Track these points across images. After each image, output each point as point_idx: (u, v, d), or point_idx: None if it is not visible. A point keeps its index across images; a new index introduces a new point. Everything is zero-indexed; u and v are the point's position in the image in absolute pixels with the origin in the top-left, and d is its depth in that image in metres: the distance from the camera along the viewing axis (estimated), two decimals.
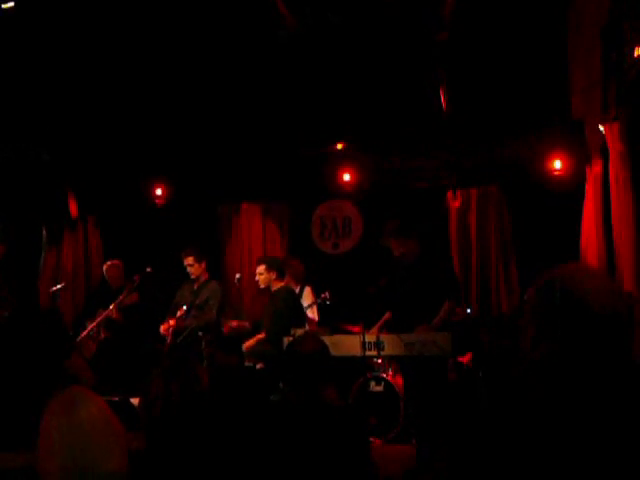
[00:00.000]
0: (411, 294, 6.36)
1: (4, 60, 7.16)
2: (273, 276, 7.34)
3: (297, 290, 8.13)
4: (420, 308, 6.29)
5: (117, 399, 4.71)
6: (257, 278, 7.47)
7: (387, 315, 6.81)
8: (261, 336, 7.25)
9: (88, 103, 8.14)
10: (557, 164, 8.09)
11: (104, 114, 8.37)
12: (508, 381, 2.06)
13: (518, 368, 2.03)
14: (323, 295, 7.95)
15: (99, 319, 7.88)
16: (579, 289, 1.97)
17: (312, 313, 8.14)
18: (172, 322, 7.56)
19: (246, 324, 7.72)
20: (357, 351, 6.34)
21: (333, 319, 8.07)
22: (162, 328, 7.68)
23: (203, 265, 7.83)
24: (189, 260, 7.76)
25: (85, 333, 7.73)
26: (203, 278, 7.85)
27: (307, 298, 8.18)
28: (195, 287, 7.86)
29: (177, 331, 7.53)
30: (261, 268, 7.40)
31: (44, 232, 9.54)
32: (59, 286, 8.59)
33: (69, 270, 9.50)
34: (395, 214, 8.70)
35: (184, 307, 7.54)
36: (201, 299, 7.73)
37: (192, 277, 7.84)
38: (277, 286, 7.39)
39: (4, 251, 8.13)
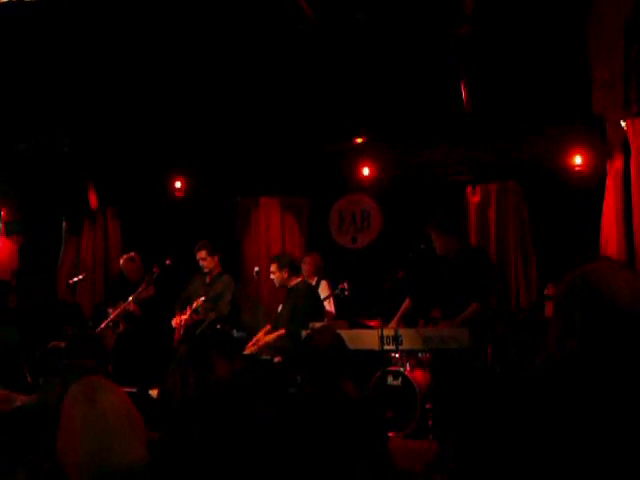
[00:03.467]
0: (445, 288, 6.39)
1: (26, 52, 7.21)
2: (285, 275, 7.34)
3: (314, 283, 8.14)
4: (451, 303, 6.31)
5: (135, 390, 4.75)
6: (272, 277, 7.52)
7: (406, 303, 6.81)
8: (281, 332, 7.26)
9: (109, 95, 8.18)
10: (577, 159, 8.03)
11: (125, 106, 8.40)
12: (529, 379, 2.04)
13: (542, 366, 2.01)
14: (341, 285, 7.90)
15: (117, 311, 7.90)
16: (605, 288, 1.93)
17: (329, 306, 8.13)
18: (186, 314, 7.59)
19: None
20: (375, 345, 6.35)
21: (351, 313, 8.06)
22: (174, 321, 7.70)
23: (216, 259, 7.87)
24: (202, 254, 7.81)
25: (104, 324, 7.76)
26: (216, 271, 7.89)
27: (323, 291, 8.17)
28: (208, 280, 7.88)
29: (191, 324, 7.56)
30: (273, 267, 7.44)
31: (64, 223, 9.60)
32: (78, 277, 8.65)
33: (88, 261, 9.56)
34: (413, 208, 8.75)
35: (202, 299, 7.57)
36: (215, 292, 7.76)
37: (205, 271, 7.87)
38: (295, 282, 7.39)
39: (24, 242, 8.20)
